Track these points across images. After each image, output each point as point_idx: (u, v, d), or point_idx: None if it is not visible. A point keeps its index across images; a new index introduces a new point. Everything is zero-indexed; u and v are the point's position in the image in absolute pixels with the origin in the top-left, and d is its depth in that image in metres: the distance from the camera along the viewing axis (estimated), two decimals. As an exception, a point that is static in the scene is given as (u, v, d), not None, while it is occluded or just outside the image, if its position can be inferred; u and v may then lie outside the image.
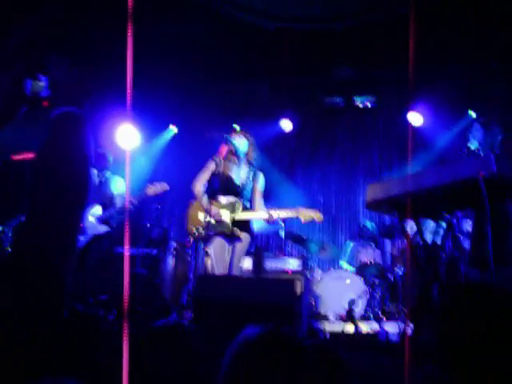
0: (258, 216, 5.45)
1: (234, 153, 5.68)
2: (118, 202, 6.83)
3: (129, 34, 2.38)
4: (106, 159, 7.00)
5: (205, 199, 5.56)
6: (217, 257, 5.48)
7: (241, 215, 5.43)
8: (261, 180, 5.69)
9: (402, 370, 2.63)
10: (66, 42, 8.14)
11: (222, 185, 5.64)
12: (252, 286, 4.54)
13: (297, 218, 5.37)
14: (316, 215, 5.30)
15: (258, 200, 5.59)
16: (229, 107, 10.32)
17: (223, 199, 5.56)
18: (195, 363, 1.93)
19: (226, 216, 5.45)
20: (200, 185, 5.64)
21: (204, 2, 7.85)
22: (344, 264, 8.58)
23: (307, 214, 5.29)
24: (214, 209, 5.37)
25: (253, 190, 5.61)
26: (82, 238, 6.61)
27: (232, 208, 5.48)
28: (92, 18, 7.83)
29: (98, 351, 2.23)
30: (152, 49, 7.82)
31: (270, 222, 5.40)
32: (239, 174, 5.67)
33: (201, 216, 5.63)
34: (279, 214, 5.37)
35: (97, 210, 6.71)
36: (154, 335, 1.90)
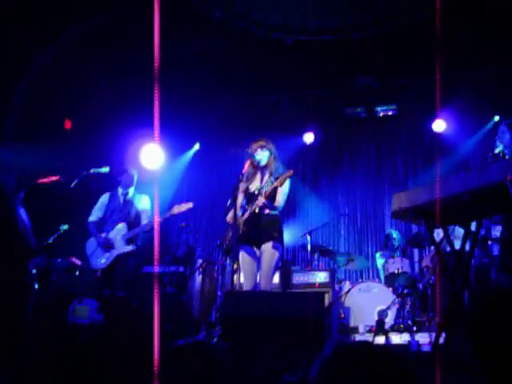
0: (254, 208, 5.42)
1: (257, 165, 5.67)
2: (144, 220, 6.87)
3: (155, 57, 2.39)
4: (130, 177, 7.04)
5: (230, 214, 5.54)
6: (245, 271, 5.45)
7: (247, 214, 5.44)
8: (286, 184, 5.59)
9: (435, 380, 2.58)
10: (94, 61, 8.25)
11: (245, 197, 5.65)
12: (280, 300, 4.50)
13: (276, 187, 5.42)
14: (287, 174, 5.38)
15: (279, 199, 5.54)
16: (251, 122, 10.35)
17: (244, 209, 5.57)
18: (220, 380, 1.92)
19: (245, 226, 5.45)
20: (229, 202, 5.64)
21: (222, 19, 7.91)
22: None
23: (281, 179, 5.37)
24: (235, 220, 5.34)
25: (275, 193, 5.54)
26: (108, 256, 6.64)
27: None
28: (119, 41, 7.94)
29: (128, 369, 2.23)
30: (175, 68, 7.89)
31: (264, 205, 5.40)
32: (261, 183, 5.66)
33: (228, 231, 5.64)
34: (265, 193, 5.42)
35: (122, 228, 6.75)
36: (177, 353, 1.89)
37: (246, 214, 5.46)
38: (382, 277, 8.52)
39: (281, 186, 5.38)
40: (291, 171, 5.42)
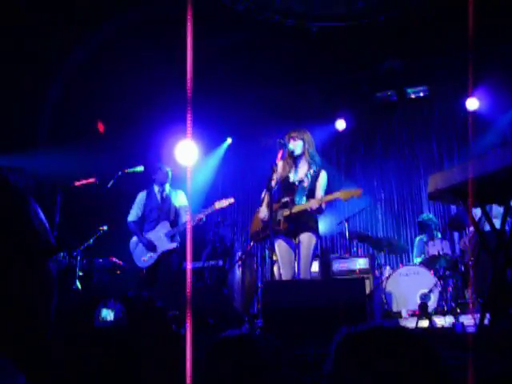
0: (303, 207, 5.40)
1: (290, 155, 5.67)
2: (184, 216, 6.93)
3: (188, 53, 2.41)
4: (164, 174, 7.10)
5: (264, 203, 5.56)
6: (283, 261, 5.46)
7: (294, 209, 5.41)
8: (322, 178, 5.61)
9: (482, 361, 2.56)
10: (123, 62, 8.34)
11: (281, 187, 5.64)
12: (320, 288, 4.49)
13: (338, 199, 5.34)
14: (355, 192, 5.28)
15: (319, 197, 5.53)
16: (282, 113, 10.34)
17: (283, 200, 5.55)
18: (263, 372, 1.93)
19: (280, 215, 5.44)
20: (264, 192, 5.64)
21: (245, 11, 7.91)
22: (415, 259, 8.46)
23: (346, 193, 5.28)
24: (271, 211, 5.33)
25: (315, 188, 5.56)
26: (152, 255, 6.73)
27: (285, 206, 5.46)
28: (150, 37, 8.00)
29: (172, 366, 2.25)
30: (203, 63, 7.92)
31: (316, 210, 5.36)
32: (297, 172, 5.65)
33: (260, 220, 5.64)
34: (322, 199, 5.34)
35: (165, 226, 6.82)
36: (220, 346, 1.91)
37: (293, 210, 5.43)
38: (415, 251, 8.51)
39: (344, 200, 5.37)
40: (360, 190, 5.34)
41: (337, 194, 5.32)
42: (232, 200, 6.70)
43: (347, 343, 1.54)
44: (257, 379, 1.86)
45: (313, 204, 5.30)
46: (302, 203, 5.45)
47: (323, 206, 5.45)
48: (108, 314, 4.82)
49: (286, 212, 5.42)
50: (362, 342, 1.52)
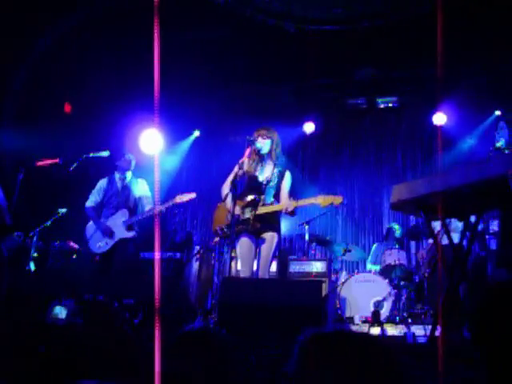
0: (276, 208, 5.41)
1: (257, 153, 5.67)
2: (145, 206, 6.87)
3: (155, 43, 2.38)
4: (128, 162, 7.03)
5: (229, 199, 5.54)
6: (243, 258, 5.45)
7: (261, 210, 5.41)
8: (287, 178, 5.64)
9: (432, 372, 2.60)
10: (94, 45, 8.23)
11: (246, 184, 5.62)
12: (279, 288, 4.50)
13: (316, 205, 5.34)
14: (335, 199, 5.27)
15: (285, 197, 5.54)
16: (252, 111, 10.33)
17: (248, 198, 5.53)
18: (223, 367, 1.93)
19: (247, 213, 5.44)
20: (226, 187, 5.62)
21: (225, 7, 7.87)
22: (369, 265, 8.56)
23: (326, 199, 5.26)
24: (236, 207, 5.32)
25: (280, 188, 5.57)
26: (108, 241, 6.65)
27: (254, 205, 5.45)
28: (120, 25, 7.91)
29: (126, 354, 2.23)
30: (175, 55, 7.85)
31: (289, 213, 5.36)
32: (263, 172, 5.66)
33: (225, 216, 5.62)
34: (298, 202, 5.33)
35: (124, 214, 6.75)
36: (183, 340, 1.90)
37: (260, 209, 5.42)
38: (371, 258, 8.62)
39: (323, 207, 5.32)
40: (341, 198, 5.33)
41: (315, 200, 5.30)
42: (194, 195, 6.66)
43: (312, 344, 1.54)
44: (219, 375, 1.85)
45: (289, 206, 5.29)
46: (275, 204, 5.47)
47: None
48: (60, 312, 4.74)
49: (260, 210, 5.41)
50: (328, 344, 1.53)
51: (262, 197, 5.48)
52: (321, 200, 5.25)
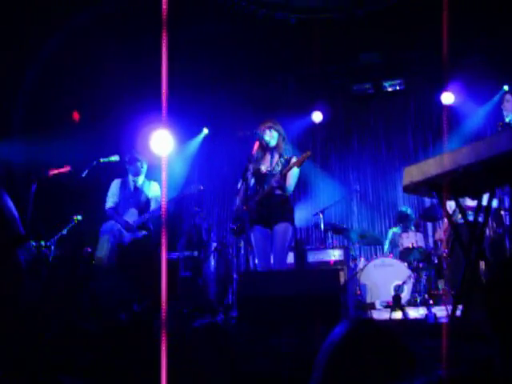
0: (268, 188, 5.47)
1: (265, 147, 5.68)
2: (153, 206, 6.89)
3: (163, 43, 2.39)
4: (140, 164, 7.05)
5: (240, 195, 5.56)
6: (259, 251, 5.47)
7: (260, 194, 5.48)
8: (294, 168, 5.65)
9: (452, 351, 2.59)
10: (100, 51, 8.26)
11: (255, 178, 5.66)
12: (295, 279, 4.51)
13: (294, 166, 5.46)
14: (304, 155, 5.43)
15: (289, 177, 5.58)
16: (258, 104, 10.32)
17: (255, 190, 5.58)
18: (237, 361, 1.94)
19: (254, 203, 5.48)
20: (239, 183, 5.65)
21: (227, 2, 7.87)
22: (387, 250, 8.55)
23: (299, 160, 5.43)
24: (247, 200, 5.35)
25: (285, 175, 5.57)
26: (123, 240, 6.67)
27: (258, 194, 5.51)
28: (125, 29, 7.93)
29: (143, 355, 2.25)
30: (179, 53, 7.86)
31: (280, 189, 5.44)
32: (272, 163, 5.67)
33: (239, 210, 5.65)
34: (283, 171, 5.47)
35: (133, 214, 6.77)
36: (194, 335, 1.91)
37: (258, 196, 5.49)
38: (388, 243, 8.59)
39: (299, 166, 5.42)
40: (309, 152, 5.48)
41: (290, 165, 5.46)
42: (200, 186, 6.71)
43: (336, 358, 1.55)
44: (231, 368, 1.86)
45: (274, 179, 5.37)
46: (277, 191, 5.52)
47: (290, 183, 5.51)
48: None
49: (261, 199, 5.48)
50: (351, 355, 1.53)
51: (264, 186, 5.53)
52: (296, 163, 5.42)
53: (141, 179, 7.05)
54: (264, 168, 5.65)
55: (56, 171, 6.64)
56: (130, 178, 7.06)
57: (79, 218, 7.79)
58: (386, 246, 8.72)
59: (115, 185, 7.10)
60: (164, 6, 2.50)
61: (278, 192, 5.52)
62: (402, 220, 8.60)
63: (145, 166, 7.11)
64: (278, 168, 5.58)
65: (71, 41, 8.04)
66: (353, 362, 1.48)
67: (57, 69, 8.41)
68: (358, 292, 7.26)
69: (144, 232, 6.75)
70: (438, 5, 5.71)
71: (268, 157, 5.72)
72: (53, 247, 7.39)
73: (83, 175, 6.66)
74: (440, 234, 7.81)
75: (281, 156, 5.68)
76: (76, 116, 9.77)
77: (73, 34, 7.92)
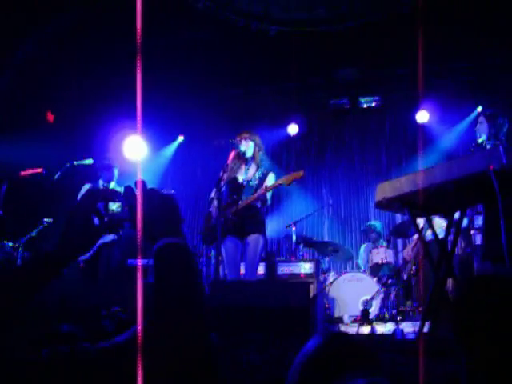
0: (250, 199, 5.45)
1: (241, 156, 5.69)
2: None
3: (138, 49, 2.38)
4: (111, 171, 7.01)
5: (214, 204, 5.55)
6: (229, 261, 5.47)
7: (241, 205, 5.46)
8: (270, 179, 5.66)
9: (421, 366, 2.61)
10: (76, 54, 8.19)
11: (229, 187, 5.65)
12: (266, 289, 4.50)
13: (282, 185, 5.42)
14: (297, 175, 5.38)
15: (267, 196, 5.57)
16: (235, 114, 10.34)
17: (230, 199, 5.57)
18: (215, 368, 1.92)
19: (229, 213, 5.47)
20: (213, 192, 5.64)
21: (205, 10, 7.87)
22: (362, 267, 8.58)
23: (289, 178, 5.37)
24: (220, 210, 5.34)
25: (262, 188, 5.57)
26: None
27: (232, 204, 5.49)
28: (102, 31, 7.88)
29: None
30: (158, 59, 7.85)
31: (262, 201, 5.43)
32: (247, 174, 5.68)
33: (210, 220, 5.64)
34: (267, 188, 5.40)
35: None
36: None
37: (236, 206, 5.47)
38: (361, 258, 8.64)
39: (288, 184, 5.40)
40: (301, 173, 5.43)
41: (279, 181, 5.42)
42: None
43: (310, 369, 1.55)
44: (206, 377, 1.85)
45: (258, 193, 5.35)
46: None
47: (268, 197, 5.50)
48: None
49: (239, 206, 5.46)
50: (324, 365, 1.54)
51: (239, 197, 5.52)
52: (284, 180, 5.35)
53: (112, 185, 7.01)
54: (241, 178, 5.65)
55: (28, 172, 6.56)
56: (101, 183, 7.00)
57: (49, 220, 7.69)
58: (360, 261, 8.76)
59: (86, 190, 7.03)
60: (139, 12, 2.48)
61: (257, 204, 5.53)
62: (367, 235, 8.67)
63: (116, 172, 7.07)
64: (255, 181, 5.59)
65: (46, 43, 7.98)
66: (327, 376, 1.48)
67: (33, 69, 8.33)
68: (327, 305, 7.27)
69: (113, 236, 6.69)
70: (414, 25, 5.81)
71: (244, 167, 5.73)
72: (21, 249, 7.29)
73: (56, 177, 6.59)
74: (408, 251, 7.88)
75: (258, 168, 5.68)
76: (50, 117, 9.67)
77: (48, 36, 7.86)
